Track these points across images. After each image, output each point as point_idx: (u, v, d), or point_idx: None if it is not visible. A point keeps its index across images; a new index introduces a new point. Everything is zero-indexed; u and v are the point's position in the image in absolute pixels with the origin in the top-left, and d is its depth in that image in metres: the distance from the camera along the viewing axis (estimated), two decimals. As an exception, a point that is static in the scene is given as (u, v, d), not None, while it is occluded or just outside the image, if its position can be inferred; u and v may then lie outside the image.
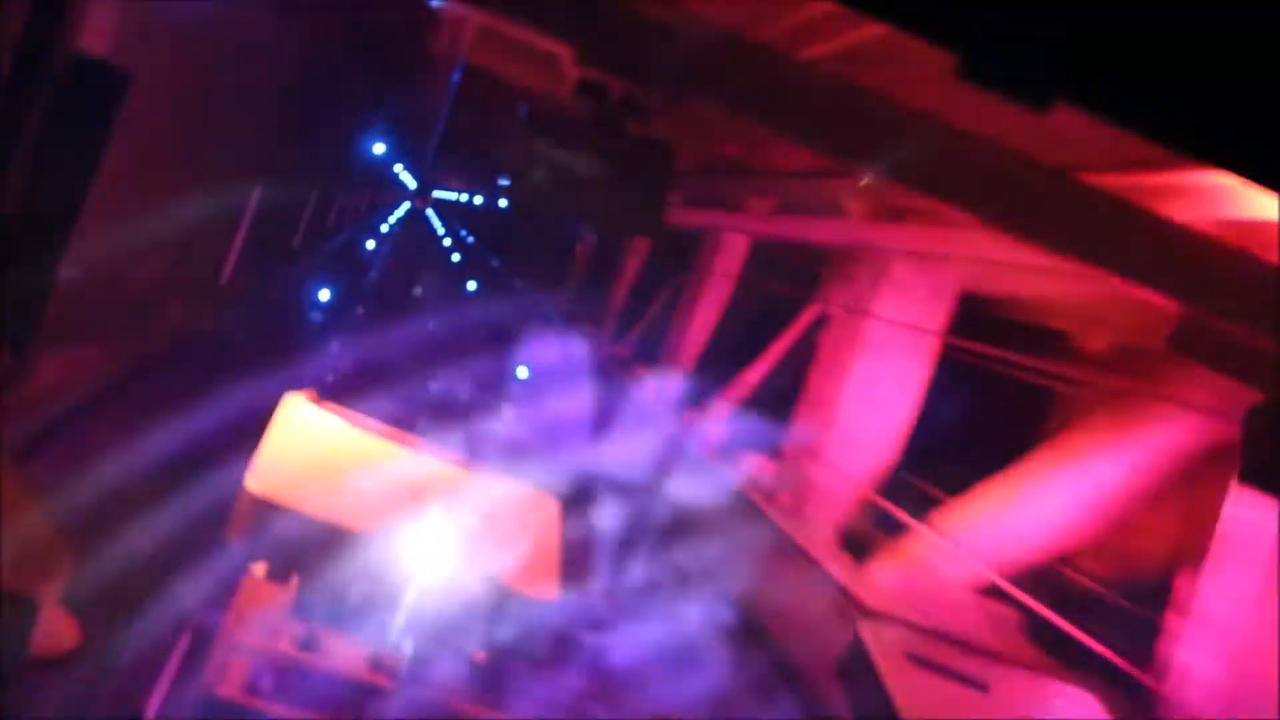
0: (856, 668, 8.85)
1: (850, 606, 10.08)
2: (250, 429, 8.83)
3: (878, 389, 13.22)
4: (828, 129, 5.71)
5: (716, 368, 20.86)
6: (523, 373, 14.20)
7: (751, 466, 14.67)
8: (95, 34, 6.12)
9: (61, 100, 6.03)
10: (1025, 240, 6.45)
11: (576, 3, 5.49)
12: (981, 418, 12.75)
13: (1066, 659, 9.83)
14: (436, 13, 8.54)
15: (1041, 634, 10.35)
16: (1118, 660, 9.10)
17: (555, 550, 9.04)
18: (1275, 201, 5.69)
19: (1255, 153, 3.51)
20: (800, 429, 13.90)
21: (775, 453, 14.26)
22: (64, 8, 5.25)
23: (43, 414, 8.47)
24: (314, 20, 9.65)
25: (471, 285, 30.23)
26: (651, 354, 23.94)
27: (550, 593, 8.61)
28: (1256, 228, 6.29)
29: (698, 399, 20.11)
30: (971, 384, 12.76)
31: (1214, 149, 3.67)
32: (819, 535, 12.28)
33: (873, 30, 5.27)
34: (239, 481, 8.24)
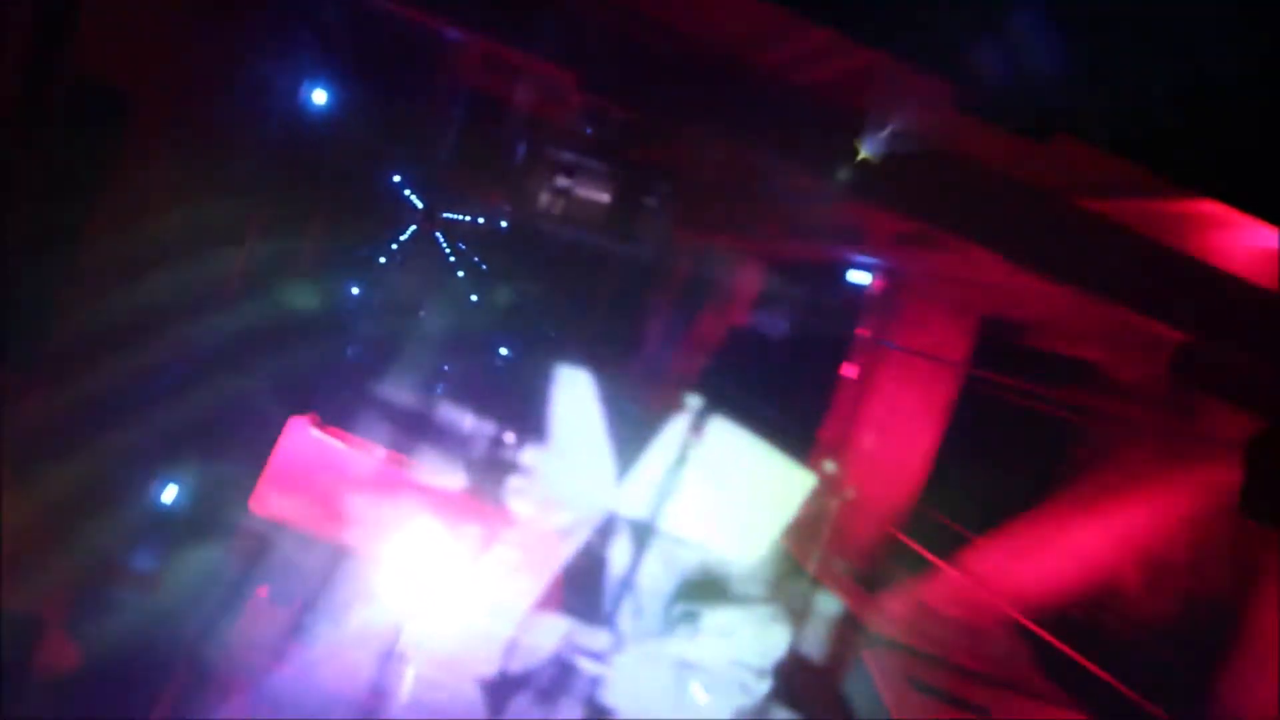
0: (859, 692, 8.82)
1: (856, 632, 10.03)
2: (255, 452, 8.87)
3: (901, 419, 12.98)
4: (829, 156, 5.72)
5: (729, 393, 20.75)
6: (523, 396, 14.11)
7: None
8: (101, 59, 6.15)
9: (68, 123, 6.06)
10: (1030, 270, 6.44)
11: (578, 32, 5.52)
12: (1009, 450, 12.50)
13: (1088, 697, 9.70)
14: (443, 39, 8.58)
15: (1062, 672, 10.19)
16: (1138, 699, 8.97)
17: (557, 578, 9.05)
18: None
19: (1251, 183, 3.54)
20: (822, 458, 13.71)
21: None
22: (70, 33, 5.28)
23: (46, 433, 8.48)
24: (320, 46, 9.71)
25: (477, 308, 30.13)
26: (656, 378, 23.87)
27: (552, 620, 8.62)
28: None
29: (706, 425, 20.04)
30: (1000, 416, 12.51)
31: (1210, 179, 3.70)
32: (830, 563, 12.18)
33: (872, 56, 5.27)
34: (243, 504, 8.27)
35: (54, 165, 6.53)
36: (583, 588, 9.80)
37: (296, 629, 7.88)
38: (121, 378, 9.12)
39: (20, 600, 6.89)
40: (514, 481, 10.14)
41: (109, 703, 7.23)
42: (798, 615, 11.19)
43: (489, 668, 8.22)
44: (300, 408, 9.83)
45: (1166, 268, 6.03)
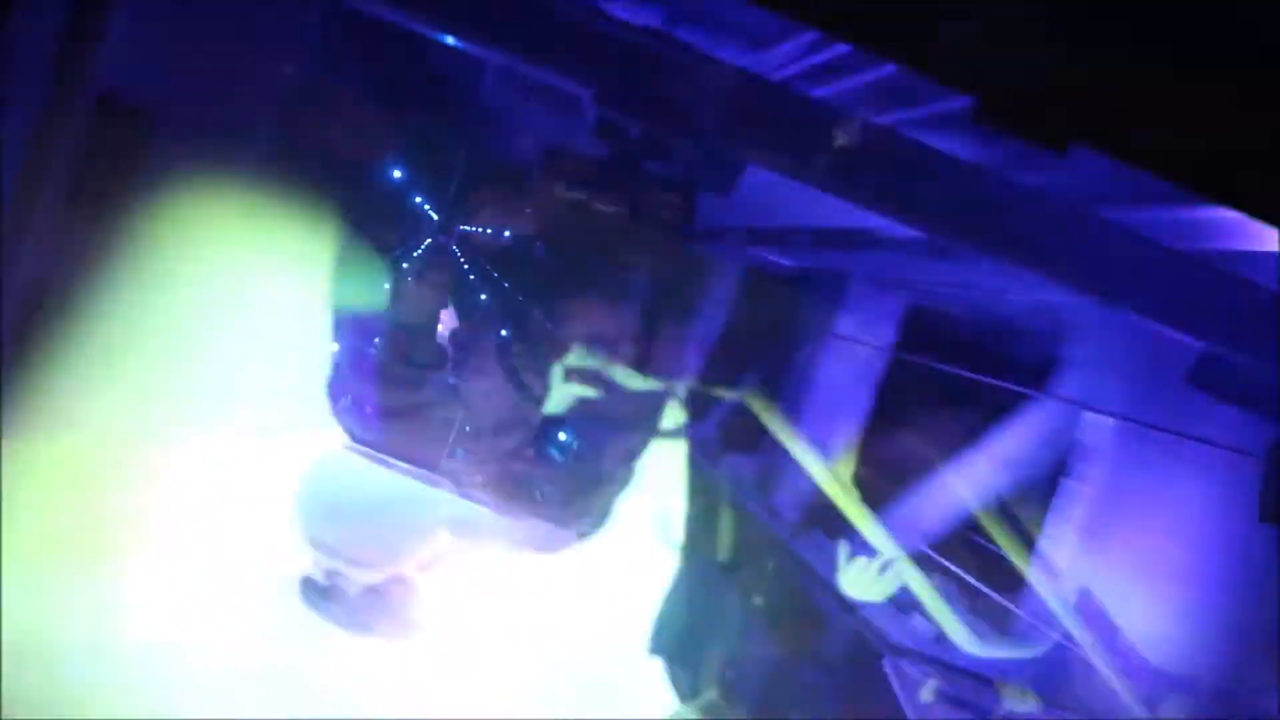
0: (881, 705, 8.78)
1: (876, 643, 9.98)
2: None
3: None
4: (852, 173, 5.74)
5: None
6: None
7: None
8: (120, 75, 6.18)
9: (88, 144, 6.09)
10: (1040, 275, 6.43)
11: (595, 45, 5.54)
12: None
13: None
14: (454, 54, 8.62)
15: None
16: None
17: (593, 596, 9.01)
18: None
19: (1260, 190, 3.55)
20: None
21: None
22: (90, 50, 5.31)
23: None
24: (335, 62, 9.78)
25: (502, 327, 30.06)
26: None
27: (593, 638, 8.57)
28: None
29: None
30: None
31: (1222, 187, 3.70)
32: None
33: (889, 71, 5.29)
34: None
35: (76, 187, 6.57)
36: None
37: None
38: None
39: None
40: (544, 496, 10.10)
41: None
42: (818, 629, 11.14)
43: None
44: (328, 424, 9.85)
45: (1184, 275, 6.03)
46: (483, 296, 13.98)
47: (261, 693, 7.78)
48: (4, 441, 7.27)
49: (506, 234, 12.78)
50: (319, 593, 8.48)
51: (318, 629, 8.35)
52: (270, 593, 8.53)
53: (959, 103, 3.89)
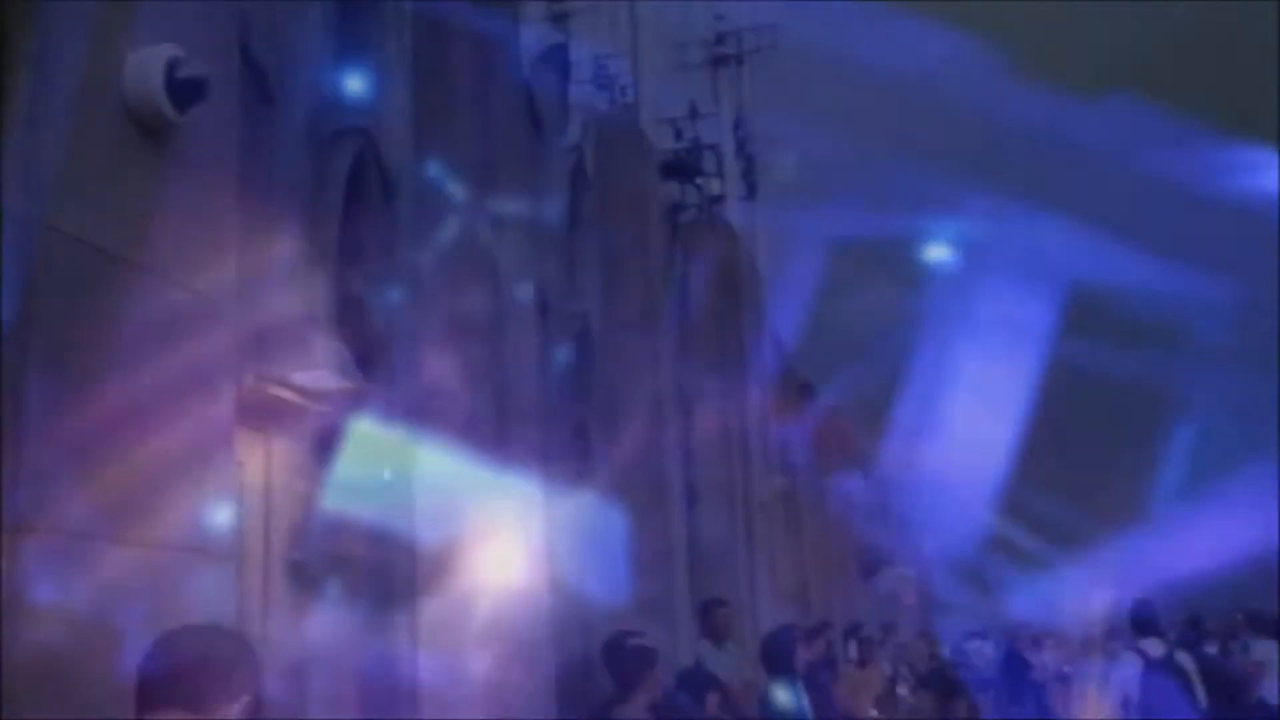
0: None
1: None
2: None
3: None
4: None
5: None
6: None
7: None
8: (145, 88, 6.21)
9: (111, 152, 6.14)
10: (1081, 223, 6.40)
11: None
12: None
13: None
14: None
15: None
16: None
17: (624, 566, 9.05)
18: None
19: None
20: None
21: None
22: (115, 61, 5.34)
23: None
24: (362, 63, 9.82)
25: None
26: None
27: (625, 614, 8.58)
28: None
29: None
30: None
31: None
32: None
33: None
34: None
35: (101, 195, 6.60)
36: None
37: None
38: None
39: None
40: (572, 465, 10.11)
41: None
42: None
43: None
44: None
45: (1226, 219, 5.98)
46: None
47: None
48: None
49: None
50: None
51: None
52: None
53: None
